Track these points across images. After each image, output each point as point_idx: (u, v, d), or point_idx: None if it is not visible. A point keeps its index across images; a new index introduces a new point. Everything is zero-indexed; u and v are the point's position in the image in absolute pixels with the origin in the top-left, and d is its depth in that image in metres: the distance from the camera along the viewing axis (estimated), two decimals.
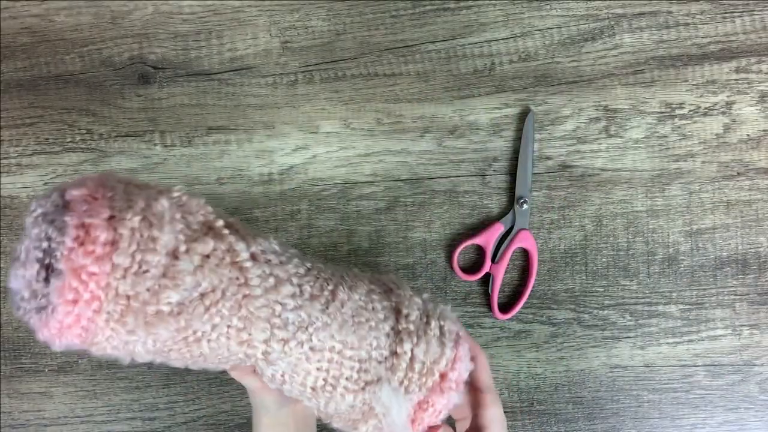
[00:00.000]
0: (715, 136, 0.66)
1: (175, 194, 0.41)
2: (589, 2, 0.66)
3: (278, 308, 0.41)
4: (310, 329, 0.42)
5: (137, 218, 0.37)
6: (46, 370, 0.67)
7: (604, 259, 0.66)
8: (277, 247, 0.44)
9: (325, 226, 0.67)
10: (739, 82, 0.66)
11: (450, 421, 0.48)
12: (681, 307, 0.66)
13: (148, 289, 0.37)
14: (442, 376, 0.43)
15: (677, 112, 0.66)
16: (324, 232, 0.67)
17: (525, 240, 0.66)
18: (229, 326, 0.40)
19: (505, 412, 0.48)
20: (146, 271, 0.37)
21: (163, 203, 0.39)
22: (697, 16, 0.66)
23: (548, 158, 0.66)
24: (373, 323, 0.44)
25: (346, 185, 0.67)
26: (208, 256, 0.39)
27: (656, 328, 0.66)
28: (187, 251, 0.38)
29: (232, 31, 0.67)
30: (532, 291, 0.66)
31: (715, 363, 0.66)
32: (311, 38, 0.67)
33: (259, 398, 0.51)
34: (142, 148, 0.67)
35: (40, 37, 0.67)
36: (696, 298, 0.66)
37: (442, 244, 0.67)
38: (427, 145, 0.66)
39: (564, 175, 0.66)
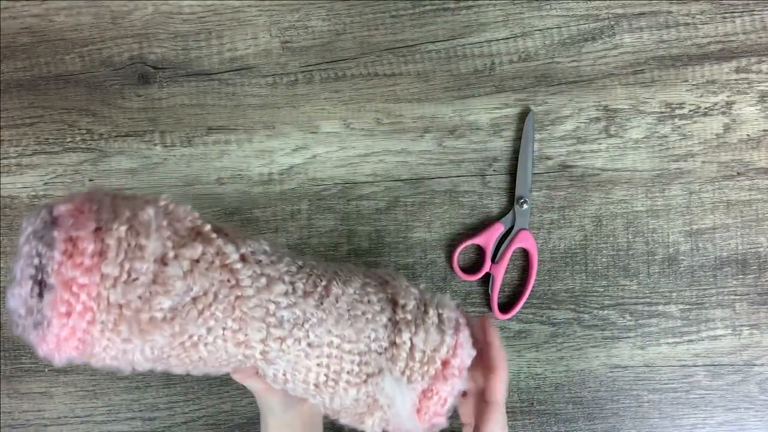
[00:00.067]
0: (715, 136, 0.66)
1: (162, 203, 0.41)
2: (589, 2, 0.66)
3: (272, 307, 0.42)
4: (306, 326, 0.42)
5: (123, 228, 0.38)
6: (46, 370, 0.67)
7: (604, 259, 0.66)
8: (267, 248, 0.44)
9: (325, 226, 0.67)
10: (739, 82, 0.66)
11: (456, 425, 0.48)
12: (681, 307, 0.66)
13: (139, 297, 0.38)
14: (444, 363, 0.43)
15: (677, 112, 0.66)
16: (324, 232, 0.67)
17: (525, 240, 0.66)
18: (224, 328, 0.41)
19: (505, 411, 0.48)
20: (136, 279, 0.38)
21: (149, 212, 0.39)
22: (697, 16, 0.66)
23: (548, 158, 0.66)
24: (369, 315, 0.44)
25: (346, 185, 0.67)
26: (197, 261, 0.40)
27: (656, 328, 0.66)
28: (175, 257, 0.39)
29: (232, 31, 0.67)
30: (532, 291, 0.66)
31: (715, 363, 0.66)
32: (311, 38, 0.67)
33: (264, 400, 0.51)
34: (142, 148, 0.67)
35: (40, 37, 0.67)
36: (696, 298, 0.66)
37: (442, 244, 0.67)
38: (427, 145, 0.66)
39: (564, 175, 0.66)
